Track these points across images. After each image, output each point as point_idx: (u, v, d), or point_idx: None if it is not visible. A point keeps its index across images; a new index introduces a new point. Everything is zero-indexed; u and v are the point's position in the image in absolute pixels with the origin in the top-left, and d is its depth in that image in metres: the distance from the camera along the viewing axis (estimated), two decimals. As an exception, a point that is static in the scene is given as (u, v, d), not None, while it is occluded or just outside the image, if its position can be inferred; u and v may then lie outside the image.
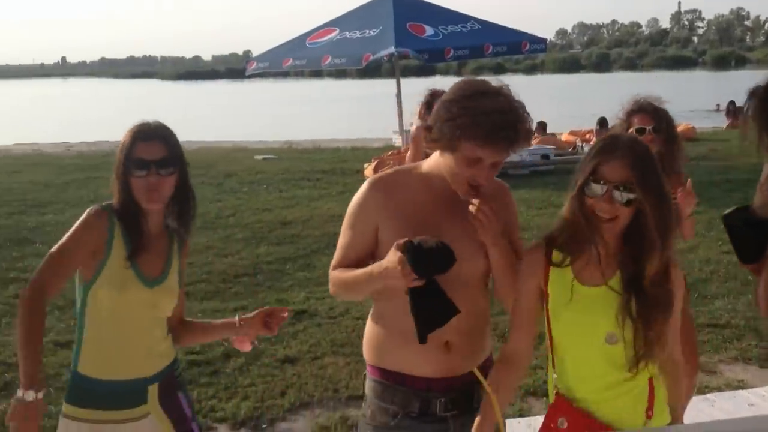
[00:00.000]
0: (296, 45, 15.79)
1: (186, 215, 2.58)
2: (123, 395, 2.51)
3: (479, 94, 2.20)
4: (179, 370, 2.71)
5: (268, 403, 4.89)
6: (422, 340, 2.16)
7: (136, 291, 2.48)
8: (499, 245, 2.30)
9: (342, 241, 2.44)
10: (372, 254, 2.38)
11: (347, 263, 2.39)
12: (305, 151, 18.87)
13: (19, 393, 2.31)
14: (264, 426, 4.63)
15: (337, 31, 15.05)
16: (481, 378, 2.35)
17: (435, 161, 2.37)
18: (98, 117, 33.90)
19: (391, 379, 2.35)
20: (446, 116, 2.21)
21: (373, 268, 2.25)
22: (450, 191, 2.33)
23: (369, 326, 2.45)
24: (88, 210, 2.51)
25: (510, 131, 2.17)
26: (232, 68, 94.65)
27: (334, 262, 2.45)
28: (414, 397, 2.32)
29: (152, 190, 2.46)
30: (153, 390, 2.55)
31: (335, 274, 2.42)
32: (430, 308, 2.15)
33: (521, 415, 4.59)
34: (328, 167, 15.18)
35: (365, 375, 2.46)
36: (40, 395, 2.32)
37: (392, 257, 2.13)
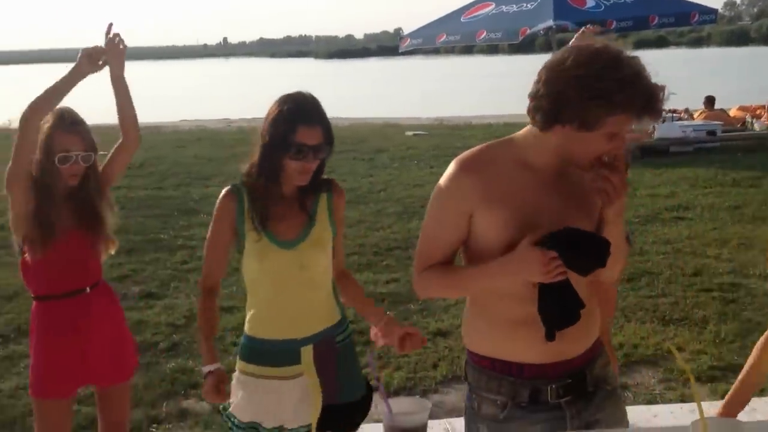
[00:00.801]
0: (450, 20, 15.70)
1: (319, 176, 2.63)
2: (278, 354, 2.62)
3: (617, 61, 1.93)
4: (345, 334, 2.74)
5: (421, 375, 4.93)
6: (551, 337, 2.05)
7: (276, 256, 2.56)
8: (618, 222, 2.11)
9: (427, 233, 2.22)
10: (462, 246, 2.20)
11: (435, 261, 2.20)
12: (456, 128, 18.85)
13: (203, 369, 2.59)
14: (417, 396, 4.67)
15: (494, 5, 14.82)
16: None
17: (529, 134, 2.14)
18: (256, 95, 35.26)
19: (497, 369, 2.22)
20: (589, 93, 1.91)
21: (494, 266, 2.07)
22: (549, 166, 2.11)
23: (470, 314, 2.27)
24: (220, 195, 2.64)
25: (659, 96, 1.96)
26: (383, 46, 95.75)
27: (419, 262, 2.23)
28: (522, 386, 2.16)
29: (306, 172, 2.53)
30: (307, 351, 2.62)
31: (429, 278, 2.21)
32: (561, 305, 2.03)
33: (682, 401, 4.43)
34: (479, 144, 15.04)
35: (466, 362, 2.35)
36: (215, 367, 2.57)
37: (530, 253, 1.98)
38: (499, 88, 32.70)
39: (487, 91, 31.12)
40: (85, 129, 3.03)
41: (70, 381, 3.11)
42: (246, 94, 36.11)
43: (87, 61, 2.92)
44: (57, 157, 2.93)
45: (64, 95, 2.93)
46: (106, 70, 3.04)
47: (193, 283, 7.09)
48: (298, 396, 2.61)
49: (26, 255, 2.99)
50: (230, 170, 13.17)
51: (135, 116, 3.17)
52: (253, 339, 2.66)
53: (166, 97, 34.68)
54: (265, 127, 2.53)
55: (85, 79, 2.96)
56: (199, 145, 17.06)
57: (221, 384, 2.56)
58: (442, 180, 2.15)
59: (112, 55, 3.00)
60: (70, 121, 2.98)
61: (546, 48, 17.46)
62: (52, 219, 2.93)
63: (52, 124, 2.94)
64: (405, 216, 9.50)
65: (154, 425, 4.45)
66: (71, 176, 2.99)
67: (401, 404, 1.90)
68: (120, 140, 3.18)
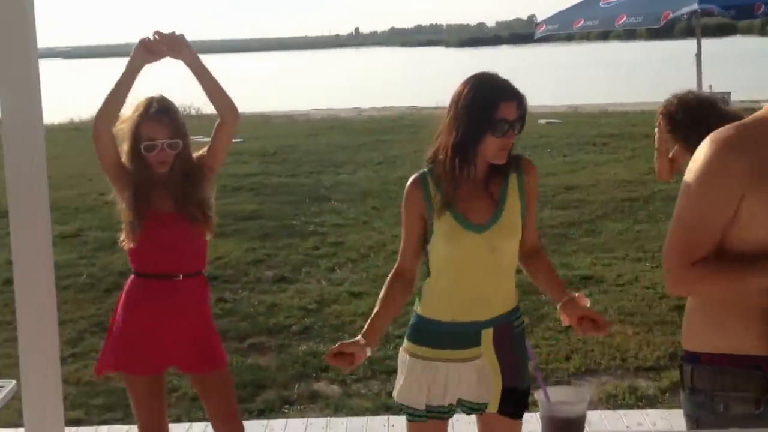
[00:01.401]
0: (589, 5, 15.30)
1: (510, 158, 2.59)
2: (458, 336, 2.59)
3: None
4: (520, 320, 2.71)
5: (553, 366, 4.85)
6: None
7: (465, 239, 2.54)
8: None
9: (690, 223, 2.06)
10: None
11: (705, 251, 2.04)
12: (591, 115, 18.35)
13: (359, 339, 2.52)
14: (576, 385, 4.57)
15: (636, -11, 14.32)
16: None
17: None
18: (386, 84, 35.56)
19: (741, 365, 2.12)
20: None
21: None
22: None
23: (698, 312, 2.19)
24: (406, 185, 2.63)
25: None
26: (515, 33, 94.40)
27: (684, 255, 2.06)
28: None
29: (505, 149, 2.51)
30: (487, 334, 2.59)
31: (703, 272, 2.06)
32: None
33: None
34: (615, 131, 14.63)
35: (680, 366, 2.23)
36: (363, 340, 2.50)
37: None
38: (636, 74, 31.67)
39: (624, 78, 30.16)
40: (172, 117, 3.05)
41: (152, 359, 3.10)
42: (376, 84, 36.68)
43: (141, 51, 3.00)
44: (142, 146, 2.98)
45: (126, 92, 3.02)
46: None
47: (324, 269, 7.24)
48: (474, 378, 2.59)
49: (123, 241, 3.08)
50: (361, 158, 13.49)
51: (226, 98, 3.13)
52: (430, 321, 2.63)
53: (299, 87, 35.57)
54: (460, 108, 2.50)
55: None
56: (330, 133, 17.38)
57: (354, 356, 2.47)
58: (701, 162, 2.01)
59: (171, 44, 3.02)
60: (156, 109, 3.02)
61: (687, 33, 16.72)
62: (144, 204, 3.01)
63: (140, 113, 3.01)
64: (537, 205, 9.33)
65: (287, 406, 4.56)
66: (159, 163, 3.02)
67: (560, 393, 1.83)
68: (217, 121, 3.16)
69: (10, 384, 3.17)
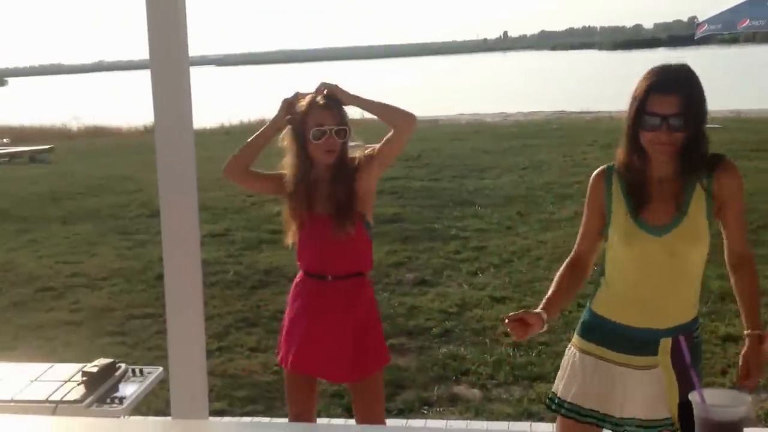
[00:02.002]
0: (756, 4, 14.62)
1: (693, 154, 2.45)
2: (632, 341, 2.52)
3: None
4: (698, 330, 2.60)
5: (708, 380, 4.63)
6: None
7: (642, 241, 2.47)
8: None
9: None
10: None
11: None
12: (754, 121, 17.47)
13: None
14: (734, 389, 4.38)
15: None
16: None
17: None
18: (534, 89, 35.09)
19: None
20: None
21: None
22: None
23: None
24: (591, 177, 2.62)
25: None
26: (674, 35, 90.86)
27: None
28: None
29: (661, 143, 2.40)
30: (665, 343, 2.50)
31: None
32: None
33: None
34: (780, 137, 13.87)
35: None
36: (545, 326, 2.52)
37: None
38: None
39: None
40: (339, 105, 3.06)
41: (305, 361, 3.14)
42: (523, 89, 36.30)
43: (285, 110, 3.08)
44: (311, 132, 3.00)
45: (261, 147, 3.13)
46: None
47: (465, 273, 7.24)
48: (651, 390, 2.49)
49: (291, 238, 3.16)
50: (506, 163, 13.41)
51: (398, 115, 3.09)
52: (604, 319, 2.57)
53: (445, 91, 35.67)
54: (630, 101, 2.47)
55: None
56: (475, 137, 17.35)
57: (532, 326, 2.47)
58: None
59: (332, 91, 3.05)
60: (324, 97, 3.04)
61: None
62: (305, 204, 3.06)
63: (308, 102, 3.04)
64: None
65: (426, 407, 4.59)
66: (326, 152, 3.02)
67: (716, 396, 1.76)
68: (392, 131, 3.11)
69: (158, 371, 3.36)
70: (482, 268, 7.36)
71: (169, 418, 3.42)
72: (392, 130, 3.09)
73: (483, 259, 7.69)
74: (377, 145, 3.11)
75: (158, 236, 3.45)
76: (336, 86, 3.07)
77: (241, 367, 5.20)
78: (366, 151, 3.13)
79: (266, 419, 4.45)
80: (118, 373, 3.20)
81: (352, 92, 3.07)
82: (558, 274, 2.65)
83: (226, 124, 23.55)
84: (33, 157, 18.03)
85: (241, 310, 6.39)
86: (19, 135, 23.98)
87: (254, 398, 4.77)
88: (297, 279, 3.22)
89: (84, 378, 3.05)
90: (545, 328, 2.50)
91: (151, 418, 4.30)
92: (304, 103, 3.06)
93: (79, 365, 3.25)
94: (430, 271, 7.40)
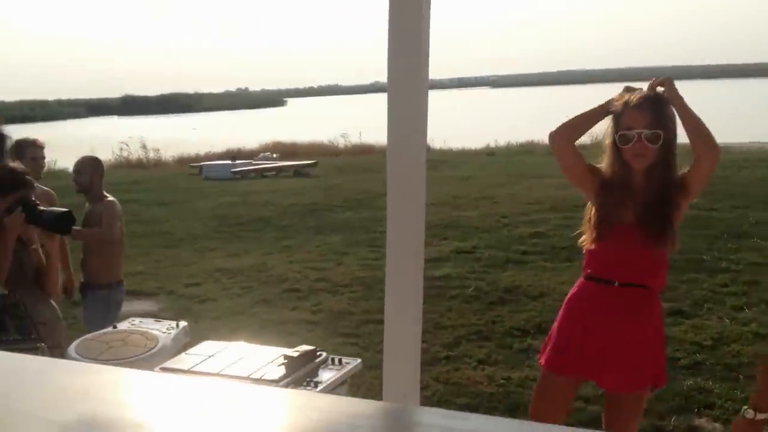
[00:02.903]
0: None
1: None
2: None
3: None
4: None
5: None
6: None
7: None
8: None
9: None
10: None
11: None
12: None
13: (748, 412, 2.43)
14: None
15: None
16: None
17: None
18: None
19: None
20: None
21: None
22: None
23: None
24: None
25: None
26: None
27: None
28: None
29: None
30: None
31: None
32: None
33: None
34: None
35: None
36: (760, 416, 2.39)
37: None
38: None
39: None
40: (658, 106, 3.02)
41: (574, 363, 3.25)
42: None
43: (611, 104, 3.13)
44: (617, 137, 3.03)
45: (591, 125, 3.17)
46: None
47: (729, 307, 6.93)
48: None
49: (583, 240, 3.23)
50: (804, 194, 12.49)
51: (701, 142, 3.04)
52: None
53: (730, 116, 33.74)
54: None
55: None
56: (762, 167, 16.36)
57: None
58: None
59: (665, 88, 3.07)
60: (639, 96, 3.04)
61: None
62: (608, 207, 3.11)
63: (623, 101, 3.07)
64: None
65: (658, 436, 4.52)
66: (634, 157, 3.02)
67: None
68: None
69: (356, 362, 3.66)
70: (751, 304, 7.01)
71: (380, 402, 3.68)
72: (695, 162, 3.06)
73: (754, 294, 7.31)
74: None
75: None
76: (668, 79, 3.06)
77: (466, 377, 5.41)
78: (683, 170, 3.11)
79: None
80: (318, 360, 3.53)
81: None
82: None
83: (492, 145, 24.04)
84: (298, 171, 19.64)
85: (475, 324, 6.61)
86: (289, 150, 26.16)
87: (474, 407, 4.96)
88: (578, 284, 3.31)
89: (285, 361, 3.42)
90: None
91: (363, 399, 4.62)
92: (620, 102, 3.08)
93: (284, 349, 3.63)
94: (689, 302, 7.16)
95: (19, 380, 1.29)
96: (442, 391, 5.19)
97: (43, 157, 5.32)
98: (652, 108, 3.03)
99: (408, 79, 3.34)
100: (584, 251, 3.28)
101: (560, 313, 3.34)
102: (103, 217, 5.26)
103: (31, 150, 5.18)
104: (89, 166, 5.34)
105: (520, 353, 5.93)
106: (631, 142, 3.02)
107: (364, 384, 4.96)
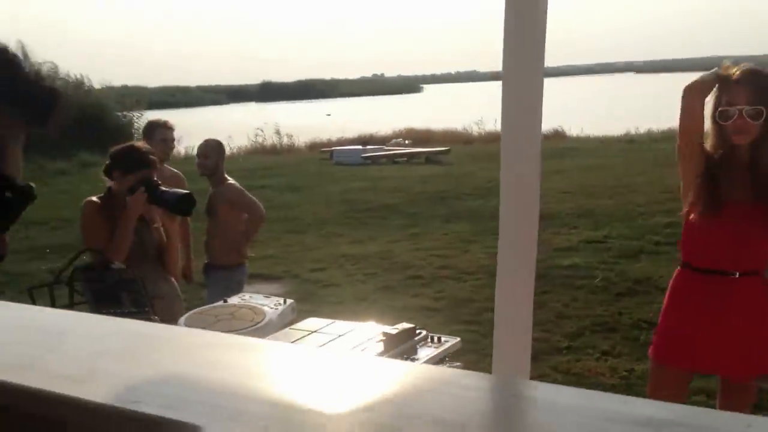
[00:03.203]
0: None
1: None
2: None
3: None
4: None
5: None
6: None
7: None
8: None
9: None
10: None
11: None
12: None
13: None
14: None
15: None
16: None
17: None
18: None
19: None
20: None
21: None
22: None
23: None
24: None
25: None
26: None
27: None
28: None
29: None
30: None
31: None
32: None
33: None
34: None
35: None
36: None
37: None
38: None
39: None
40: (761, 82, 2.96)
41: (688, 354, 3.23)
42: None
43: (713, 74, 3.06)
44: (717, 112, 3.00)
45: (706, 90, 3.08)
46: None
47: None
48: None
49: (691, 217, 3.17)
50: None
51: None
52: None
53: None
54: None
55: None
56: None
57: None
58: None
59: None
60: (742, 71, 2.99)
61: None
62: (716, 189, 3.04)
63: (727, 74, 3.02)
64: None
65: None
66: (735, 133, 2.98)
67: None
68: None
69: (455, 340, 3.71)
70: None
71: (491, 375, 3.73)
72: None
73: None
74: None
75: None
76: None
77: (587, 368, 5.36)
78: None
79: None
80: (417, 338, 3.59)
81: None
82: None
83: (632, 132, 23.46)
84: (429, 158, 19.74)
85: (600, 315, 6.52)
86: (422, 137, 26.30)
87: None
88: (682, 274, 3.29)
89: (383, 338, 3.50)
90: None
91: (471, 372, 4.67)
92: (712, 76, 3.03)
93: (384, 327, 3.70)
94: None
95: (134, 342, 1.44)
96: (561, 381, 5.16)
97: (173, 139, 5.54)
98: (753, 83, 2.96)
99: (522, 66, 3.35)
100: (688, 231, 3.21)
101: (666, 301, 3.29)
102: (240, 200, 5.49)
103: (160, 131, 5.42)
104: (215, 149, 5.56)
105: (646, 346, 5.80)
106: (732, 118, 2.97)
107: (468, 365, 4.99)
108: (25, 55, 0.79)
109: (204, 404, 1.14)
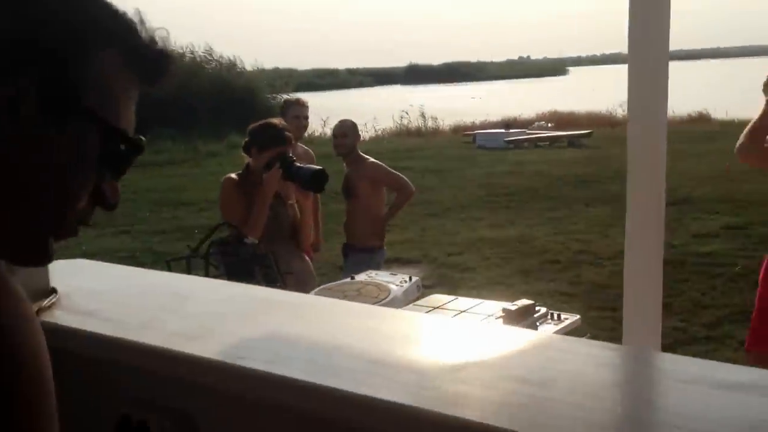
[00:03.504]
0: None
1: None
2: None
3: None
4: None
5: None
6: None
7: None
8: None
9: None
10: None
11: None
12: None
13: None
14: None
15: None
16: None
17: None
18: None
19: None
20: None
21: None
22: None
23: None
24: None
25: None
26: None
27: None
28: None
29: None
30: None
31: None
32: None
33: None
34: None
35: None
36: None
37: None
38: None
39: None
40: None
41: None
42: None
43: None
44: None
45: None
46: None
47: None
48: None
49: None
50: None
51: None
52: None
53: None
54: None
55: None
56: None
57: None
58: None
59: None
60: None
61: None
62: None
63: None
64: None
65: None
66: None
67: None
68: None
69: (575, 318, 3.69)
70: None
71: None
72: None
73: None
74: None
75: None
76: None
77: (725, 358, 5.20)
78: None
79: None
80: (537, 315, 3.60)
81: None
82: None
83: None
84: (571, 141, 19.44)
85: (739, 304, 6.31)
86: (566, 120, 25.87)
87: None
88: None
89: (503, 314, 3.51)
90: None
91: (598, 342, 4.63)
92: None
93: (505, 303, 3.71)
94: None
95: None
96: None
97: (306, 117, 5.67)
98: None
99: (648, 49, 3.30)
100: None
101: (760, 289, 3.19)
102: (385, 177, 5.61)
103: (294, 108, 5.57)
104: (352, 128, 5.68)
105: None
106: None
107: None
108: (141, 21, 0.87)
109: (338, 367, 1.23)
